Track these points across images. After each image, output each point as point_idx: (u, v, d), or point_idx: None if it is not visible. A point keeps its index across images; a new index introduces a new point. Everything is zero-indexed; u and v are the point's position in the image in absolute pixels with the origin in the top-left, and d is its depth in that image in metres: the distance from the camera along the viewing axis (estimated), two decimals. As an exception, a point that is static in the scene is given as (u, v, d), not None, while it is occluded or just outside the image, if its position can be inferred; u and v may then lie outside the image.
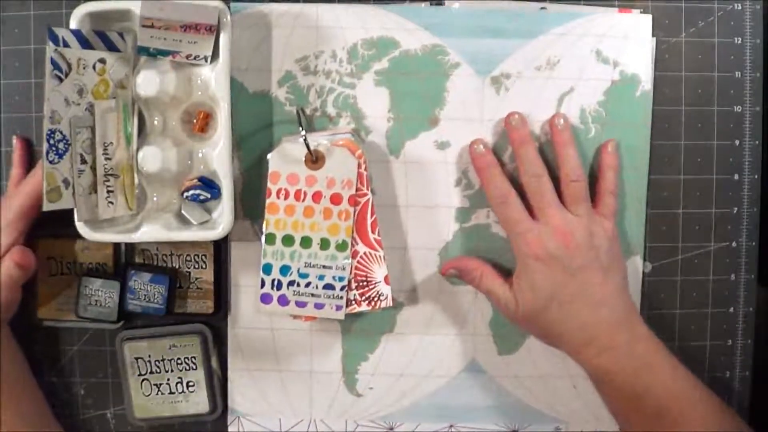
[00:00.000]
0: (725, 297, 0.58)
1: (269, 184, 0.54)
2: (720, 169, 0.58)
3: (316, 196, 0.54)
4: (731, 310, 0.58)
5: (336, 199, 0.54)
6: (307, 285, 0.54)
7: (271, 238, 0.54)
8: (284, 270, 0.54)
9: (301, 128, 0.53)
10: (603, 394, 0.53)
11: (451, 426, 0.59)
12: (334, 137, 0.54)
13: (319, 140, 0.53)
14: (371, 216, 0.54)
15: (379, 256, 0.54)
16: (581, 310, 0.51)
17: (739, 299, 0.58)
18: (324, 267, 0.54)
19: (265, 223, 0.54)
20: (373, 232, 0.54)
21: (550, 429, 0.59)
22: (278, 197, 0.54)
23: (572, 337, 0.52)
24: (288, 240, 0.54)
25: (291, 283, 0.54)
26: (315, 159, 0.53)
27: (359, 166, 0.53)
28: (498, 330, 0.58)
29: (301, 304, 0.54)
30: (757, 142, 0.58)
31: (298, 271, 0.54)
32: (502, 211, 0.54)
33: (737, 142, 0.58)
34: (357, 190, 0.53)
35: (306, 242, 0.54)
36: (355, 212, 0.54)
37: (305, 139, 0.52)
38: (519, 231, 0.52)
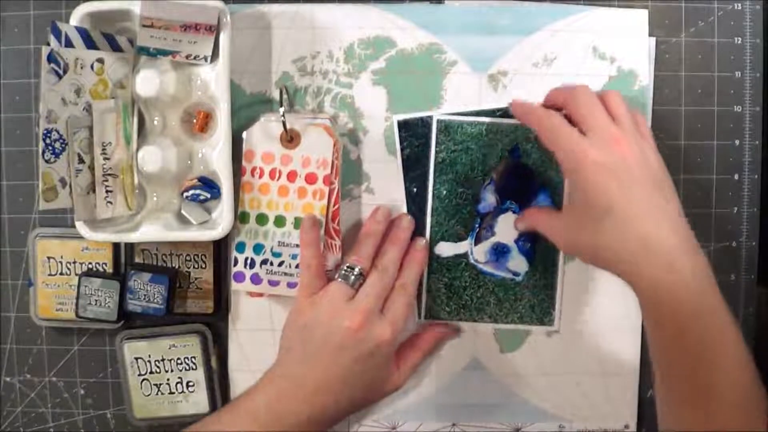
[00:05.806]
0: (725, 297, 0.58)
1: (243, 162, 0.54)
2: (720, 169, 0.58)
3: (291, 176, 0.54)
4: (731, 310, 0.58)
5: (311, 179, 0.53)
6: (281, 264, 0.54)
7: (244, 217, 0.54)
8: (257, 248, 0.54)
9: (281, 107, 0.52)
10: (654, 320, 0.48)
11: (453, 425, 0.59)
12: (314, 121, 0.54)
13: (297, 120, 0.53)
14: (334, 205, 0.54)
15: (336, 245, 0.54)
16: (643, 225, 0.46)
17: (739, 299, 0.58)
18: (297, 246, 0.54)
19: (239, 201, 0.54)
20: (333, 221, 0.54)
21: (553, 427, 0.59)
22: (252, 176, 0.54)
23: (632, 253, 0.46)
24: (262, 219, 0.54)
25: (264, 262, 0.54)
26: (290, 138, 0.53)
27: (333, 153, 0.53)
28: (500, 328, 0.58)
29: (273, 283, 0.55)
30: (757, 142, 0.58)
31: (272, 249, 0.54)
32: (549, 126, 0.49)
33: (737, 142, 0.58)
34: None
35: (280, 221, 0.54)
36: (330, 192, 0.54)
37: (283, 117, 0.52)
38: (570, 147, 0.48)
